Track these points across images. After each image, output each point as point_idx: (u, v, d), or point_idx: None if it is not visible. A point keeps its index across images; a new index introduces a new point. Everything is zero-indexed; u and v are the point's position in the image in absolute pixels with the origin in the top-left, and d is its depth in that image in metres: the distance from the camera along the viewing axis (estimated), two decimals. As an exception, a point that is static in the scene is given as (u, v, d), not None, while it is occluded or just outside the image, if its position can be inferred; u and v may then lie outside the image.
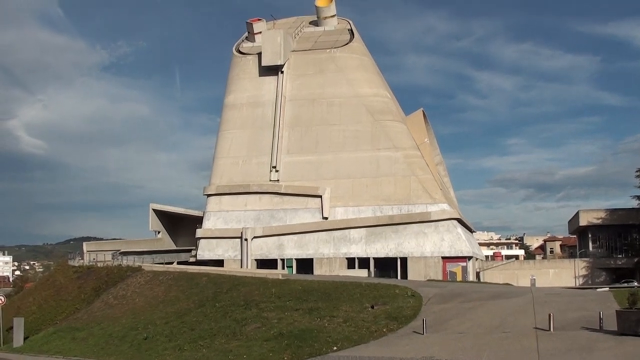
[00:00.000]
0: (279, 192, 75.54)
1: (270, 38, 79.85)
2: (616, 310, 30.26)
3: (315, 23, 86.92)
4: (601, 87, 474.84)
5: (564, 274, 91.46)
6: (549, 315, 31.42)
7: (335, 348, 33.83)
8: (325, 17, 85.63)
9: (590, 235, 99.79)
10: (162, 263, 74.43)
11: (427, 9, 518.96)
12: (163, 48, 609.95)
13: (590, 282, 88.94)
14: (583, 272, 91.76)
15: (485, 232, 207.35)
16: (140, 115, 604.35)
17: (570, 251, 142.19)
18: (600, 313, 30.75)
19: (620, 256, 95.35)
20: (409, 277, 68.72)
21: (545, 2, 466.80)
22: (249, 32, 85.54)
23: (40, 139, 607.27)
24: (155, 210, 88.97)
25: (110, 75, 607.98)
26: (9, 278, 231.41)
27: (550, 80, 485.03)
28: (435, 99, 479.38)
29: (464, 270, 70.06)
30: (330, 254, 72.65)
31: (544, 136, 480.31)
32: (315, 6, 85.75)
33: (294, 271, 72.05)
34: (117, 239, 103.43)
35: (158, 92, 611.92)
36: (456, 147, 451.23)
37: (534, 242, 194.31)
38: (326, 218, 73.57)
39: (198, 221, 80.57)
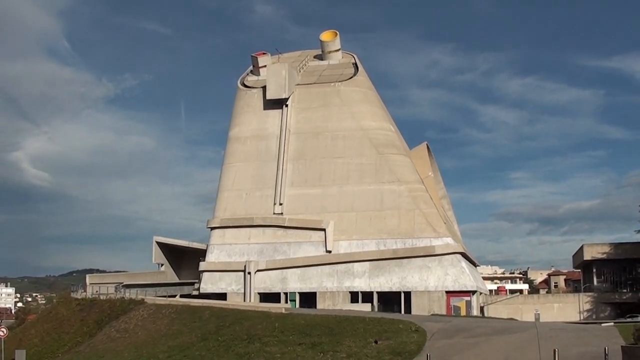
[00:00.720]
0: (283, 225, 75.40)
1: (275, 71, 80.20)
2: (622, 346, 30.11)
3: (320, 57, 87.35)
4: (605, 121, 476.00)
5: (569, 308, 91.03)
6: (554, 351, 31.24)
7: (338, 383, 33.66)
8: (330, 51, 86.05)
9: (594, 270, 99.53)
10: (165, 296, 74.18)
11: (432, 43, 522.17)
12: (168, 81, 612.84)
13: (594, 316, 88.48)
14: (587, 306, 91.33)
15: (489, 266, 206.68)
16: (146, 148, 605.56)
17: (574, 285, 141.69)
18: (605, 349, 30.57)
19: (625, 291, 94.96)
20: (413, 311, 68.39)
21: (549, 36, 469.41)
22: (253, 66, 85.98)
23: (45, 171, 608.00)
24: (158, 243, 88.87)
25: (116, 107, 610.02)
26: (11, 310, 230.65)
27: (555, 114, 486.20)
28: (439, 132, 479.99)
29: (468, 304, 69.71)
30: (334, 288, 72.32)
31: (548, 170, 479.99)
32: (320, 40, 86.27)
33: (297, 305, 71.71)
34: (120, 272, 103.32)
35: (163, 125, 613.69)
36: (460, 180, 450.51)
37: (538, 277, 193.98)
38: (330, 251, 73.33)
39: (201, 254, 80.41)
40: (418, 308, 68.93)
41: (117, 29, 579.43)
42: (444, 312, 67.72)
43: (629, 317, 78.52)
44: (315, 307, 70.27)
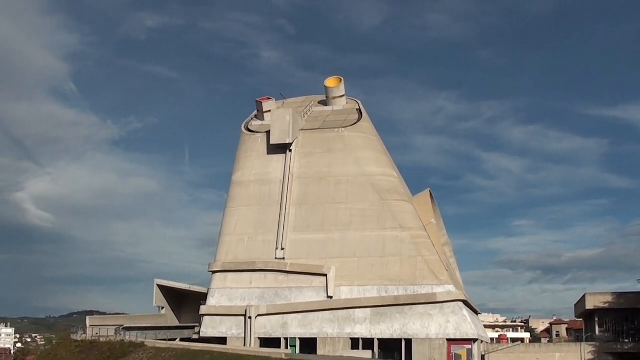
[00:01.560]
0: (284, 270, 75.22)
1: (280, 116, 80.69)
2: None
3: (324, 102, 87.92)
4: (609, 170, 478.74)
5: (570, 358, 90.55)
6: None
7: None
8: (335, 97, 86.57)
9: (597, 319, 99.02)
10: (165, 339, 73.86)
11: (436, 90, 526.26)
12: (173, 124, 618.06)
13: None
14: (589, 356, 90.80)
15: (491, 314, 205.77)
16: (149, 191, 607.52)
17: (576, 335, 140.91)
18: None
19: (627, 341, 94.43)
20: (414, 359, 68.04)
21: (553, 84, 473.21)
22: (258, 111, 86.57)
23: (48, 212, 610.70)
24: (159, 286, 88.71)
25: (120, 150, 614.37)
26: (10, 350, 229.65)
27: (558, 162, 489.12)
28: (442, 179, 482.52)
29: (469, 353, 69.28)
30: (334, 334, 71.85)
31: (551, 218, 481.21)
32: (325, 86, 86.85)
33: (298, 351, 71.18)
34: (121, 314, 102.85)
35: (167, 168, 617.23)
36: (463, 228, 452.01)
37: (540, 325, 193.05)
38: (331, 297, 73.08)
39: (202, 298, 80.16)
40: (419, 356, 68.53)
41: (123, 72, 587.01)
42: (445, 360, 67.38)
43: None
44: (316, 353, 69.83)
